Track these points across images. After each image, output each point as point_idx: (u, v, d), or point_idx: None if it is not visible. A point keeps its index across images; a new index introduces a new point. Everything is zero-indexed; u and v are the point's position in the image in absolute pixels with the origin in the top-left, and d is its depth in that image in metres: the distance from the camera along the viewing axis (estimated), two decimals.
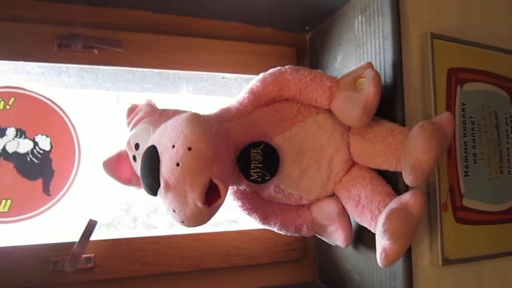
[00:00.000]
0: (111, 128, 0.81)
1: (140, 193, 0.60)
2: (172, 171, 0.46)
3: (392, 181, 0.61)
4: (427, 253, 0.63)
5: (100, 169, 0.59)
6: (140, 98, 0.61)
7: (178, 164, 0.45)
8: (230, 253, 0.78)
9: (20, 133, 0.69)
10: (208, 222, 0.51)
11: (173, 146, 0.46)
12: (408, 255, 0.60)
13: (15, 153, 0.68)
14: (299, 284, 0.82)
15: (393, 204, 0.55)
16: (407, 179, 0.54)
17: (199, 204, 0.47)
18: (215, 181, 0.47)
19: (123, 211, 0.90)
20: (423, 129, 0.52)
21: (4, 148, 0.68)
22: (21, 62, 0.69)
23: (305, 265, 0.84)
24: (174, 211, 0.48)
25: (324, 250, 0.79)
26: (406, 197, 0.55)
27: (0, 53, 0.68)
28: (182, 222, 0.49)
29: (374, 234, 0.58)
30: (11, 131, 0.68)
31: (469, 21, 0.72)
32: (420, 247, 0.63)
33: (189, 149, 0.45)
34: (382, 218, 0.53)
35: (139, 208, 0.91)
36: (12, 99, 0.69)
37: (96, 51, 0.72)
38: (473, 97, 0.68)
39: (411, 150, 0.52)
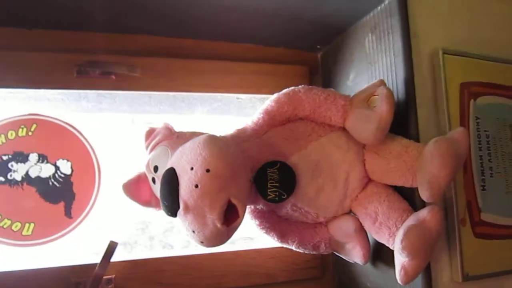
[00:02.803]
0: (128, 148, 0.83)
1: (157, 213, 0.61)
2: (191, 193, 0.47)
3: (409, 197, 0.61)
4: (447, 269, 0.63)
5: (119, 191, 0.60)
6: (156, 120, 0.62)
7: (196, 186, 0.46)
8: (249, 272, 0.78)
9: (42, 158, 0.71)
10: None
11: (192, 168, 0.47)
12: (427, 272, 0.60)
13: (38, 177, 0.70)
14: None
15: (411, 220, 0.55)
16: (424, 195, 0.54)
17: (218, 225, 0.47)
18: (234, 201, 0.48)
19: (139, 230, 0.91)
20: (438, 145, 0.53)
21: (27, 173, 0.70)
22: (42, 90, 0.71)
23: (324, 283, 0.83)
24: (193, 232, 0.49)
25: (343, 267, 0.78)
26: (424, 213, 0.54)
27: (22, 82, 0.70)
28: (202, 242, 0.50)
29: (392, 251, 0.58)
30: (33, 157, 0.70)
31: (480, 34, 0.72)
32: (440, 263, 0.62)
33: (207, 170, 0.46)
34: (400, 235, 0.53)
35: (155, 227, 0.91)
36: (34, 125, 0.71)
37: (113, 77, 0.74)
38: (487, 110, 0.68)
39: (427, 166, 0.53)
